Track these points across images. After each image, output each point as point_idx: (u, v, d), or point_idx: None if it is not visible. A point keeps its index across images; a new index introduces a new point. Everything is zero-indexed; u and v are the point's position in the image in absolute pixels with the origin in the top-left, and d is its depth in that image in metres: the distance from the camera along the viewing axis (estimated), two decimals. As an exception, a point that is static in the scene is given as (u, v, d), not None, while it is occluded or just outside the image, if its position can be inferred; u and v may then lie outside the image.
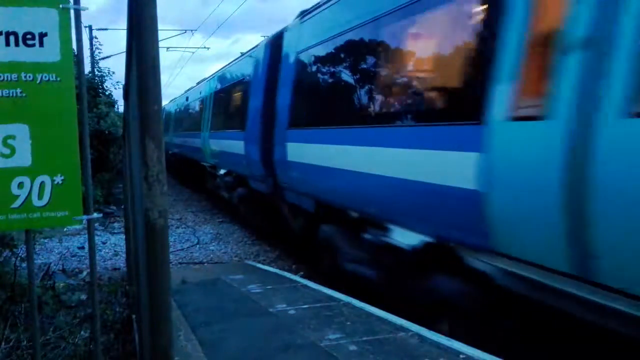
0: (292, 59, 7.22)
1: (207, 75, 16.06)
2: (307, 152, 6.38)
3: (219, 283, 6.24)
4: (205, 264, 8.65)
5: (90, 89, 15.06)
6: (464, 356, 3.45)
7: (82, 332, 4.91)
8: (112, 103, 17.96)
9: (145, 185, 1.14)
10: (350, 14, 5.58)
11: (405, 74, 4.70)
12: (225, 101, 12.36)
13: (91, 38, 20.36)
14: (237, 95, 10.92)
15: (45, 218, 2.81)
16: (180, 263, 8.69)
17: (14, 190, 2.74)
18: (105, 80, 17.43)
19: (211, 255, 9.28)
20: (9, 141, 2.71)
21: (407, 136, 4.33)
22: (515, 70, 3.14)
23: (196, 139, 15.26)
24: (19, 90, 2.70)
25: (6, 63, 2.67)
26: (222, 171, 12.23)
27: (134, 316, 4.44)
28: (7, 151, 2.71)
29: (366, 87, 5.30)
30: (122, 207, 10.86)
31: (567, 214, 2.79)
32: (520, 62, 3.12)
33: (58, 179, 2.80)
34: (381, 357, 3.50)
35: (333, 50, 5.94)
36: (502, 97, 3.21)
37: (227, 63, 13.05)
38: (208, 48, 41.24)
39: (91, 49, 19.83)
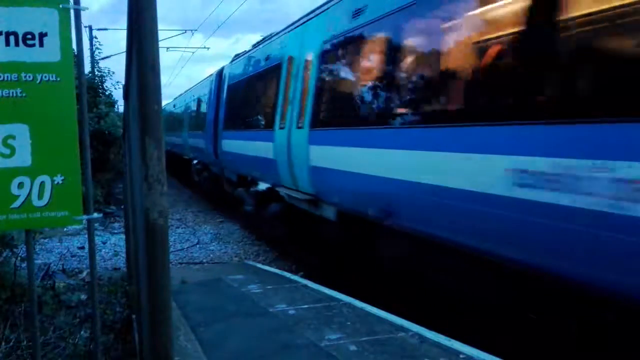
0: (225, 86, 12.23)
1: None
2: (229, 144, 11.21)
3: (219, 283, 6.25)
4: (205, 264, 8.66)
5: (90, 89, 15.02)
6: (463, 356, 3.45)
7: (82, 332, 4.90)
8: (112, 103, 17.92)
9: (145, 185, 1.14)
10: (243, 69, 10.80)
11: (253, 104, 9.87)
12: (195, 109, 17.36)
13: (91, 38, 20.32)
14: (200, 106, 15.99)
15: (45, 218, 2.80)
16: (180, 263, 8.70)
17: (14, 190, 2.74)
18: (105, 80, 17.38)
19: (211, 255, 9.28)
20: (9, 141, 2.71)
21: (256, 135, 9.00)
22: (280, 109, 7.67)
23: (180, 138, 20.05)
24: (19, 90, 2.70)
25: (6, 63, 2.66)
26: (195, 161, 16.93)
27: (134, 316, 4.44)
28: (7, 151, 2.71)
29: (247, 107, 10.32)
30: (122, 207, 10.86)
31: (288, 163, 7.07)
32: (281, 107, 7.62)
33: (58, 179, 2.80)
34: (381, 357, 3.50)
35: (238, 87, 11.11)
36: (277, 119, 7.77)
37: (199, 81, 18.17)
38: (208, 48, 41.25)
39: (91, 49, 19.78)
